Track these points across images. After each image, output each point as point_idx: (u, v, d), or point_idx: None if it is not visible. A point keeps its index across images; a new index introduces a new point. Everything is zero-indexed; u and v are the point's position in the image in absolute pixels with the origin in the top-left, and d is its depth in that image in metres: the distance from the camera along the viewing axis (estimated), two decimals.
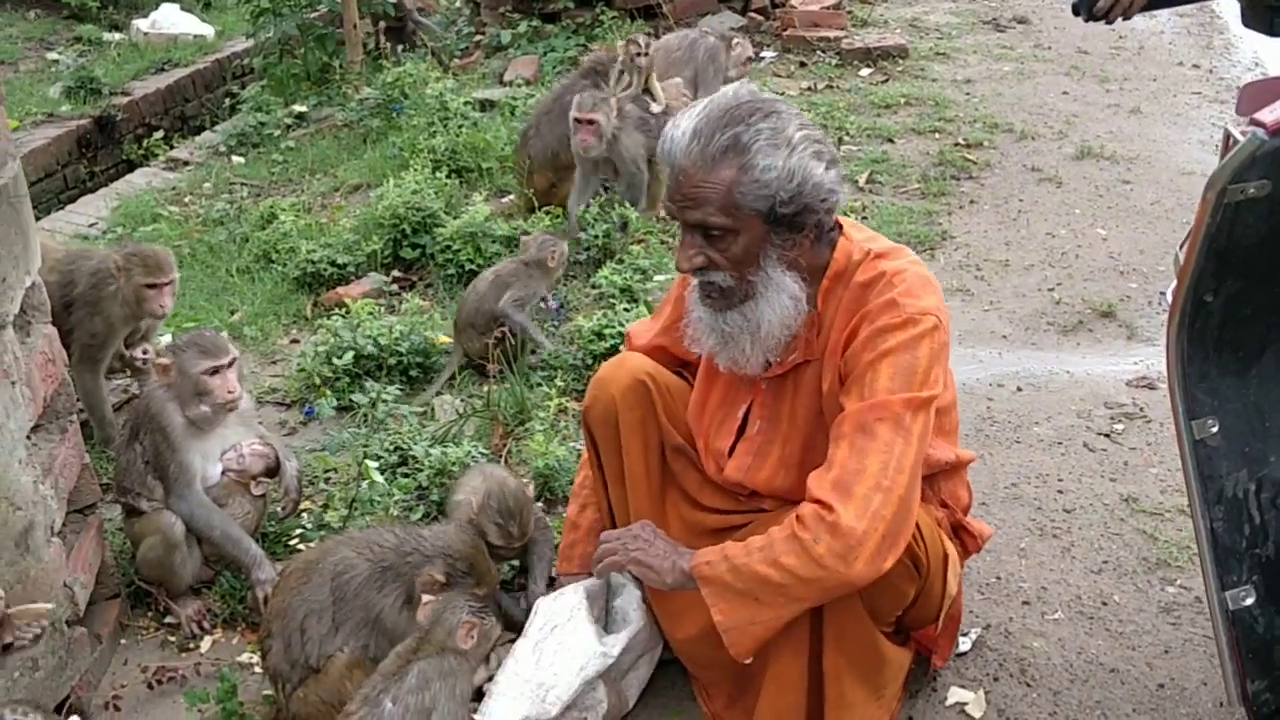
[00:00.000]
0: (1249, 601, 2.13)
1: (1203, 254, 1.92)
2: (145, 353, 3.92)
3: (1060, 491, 3.56)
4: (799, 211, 2.35)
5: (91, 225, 7.18)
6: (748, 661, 2.42)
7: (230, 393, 3.24)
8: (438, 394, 4.26)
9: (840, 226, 2.51)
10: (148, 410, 3.25)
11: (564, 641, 2.60)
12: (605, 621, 2.79)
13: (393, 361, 4.31)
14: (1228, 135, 2.30)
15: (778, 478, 2.59)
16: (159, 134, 9.32)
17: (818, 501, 2.27)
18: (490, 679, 2.65)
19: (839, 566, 2.23)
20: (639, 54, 5.56)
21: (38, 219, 7.72)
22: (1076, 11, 1.77)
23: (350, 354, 4.23)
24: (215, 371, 3.22)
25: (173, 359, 3.25)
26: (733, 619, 2.36)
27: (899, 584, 2.43)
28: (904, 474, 2.28)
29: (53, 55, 11.09)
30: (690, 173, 2.34)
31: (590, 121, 5.19)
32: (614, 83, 5.72)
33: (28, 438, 2.73)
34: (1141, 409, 3.96)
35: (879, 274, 2.42)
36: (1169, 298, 2.10)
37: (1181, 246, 2.08)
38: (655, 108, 5.60)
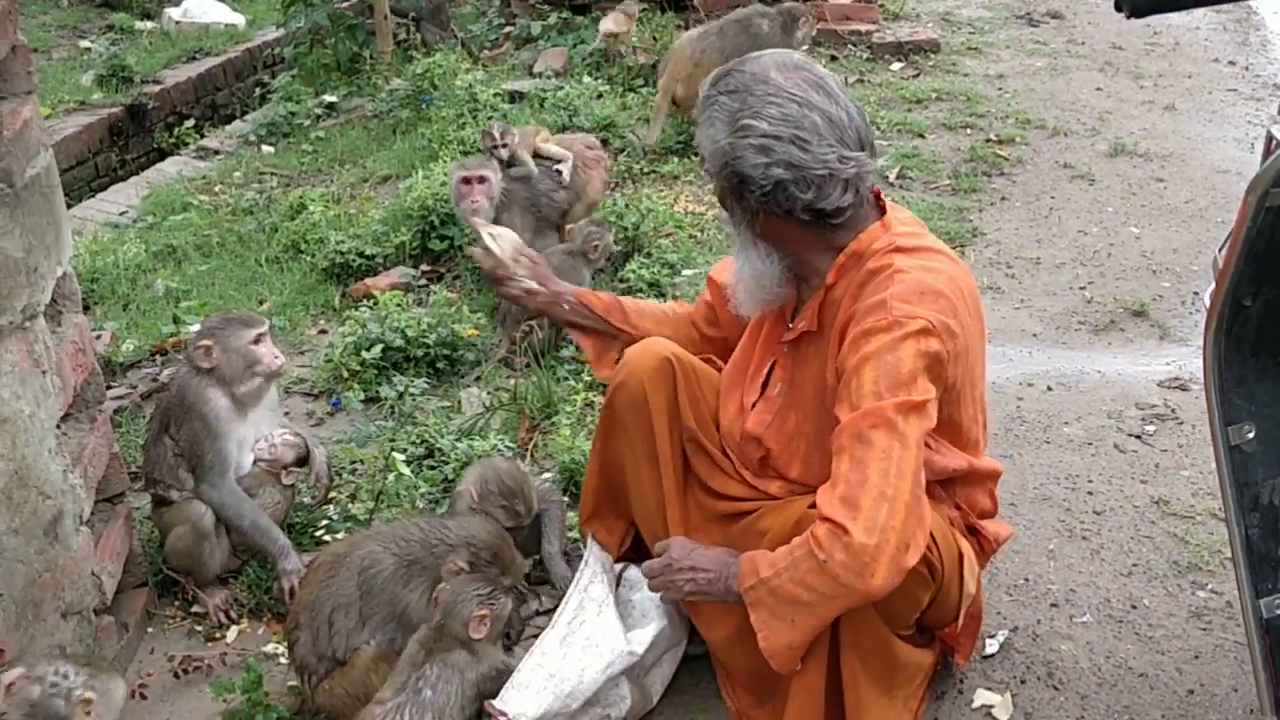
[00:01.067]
0: None
1: (1242, 257, 1.89)
2: None
3: (1090, 493, 3.53)
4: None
5: (122, 213, 7.22)
6: (796, 669, 2.45)
7: (276, 358, 3.29)
8: (465, 387, 4.26)
9: (885, 211, 2.51)
10: (184, 399, 3.25)
11: (591, 637, 2.59)
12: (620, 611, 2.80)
13: (420, 354, 4.31)
14: (1270, 138, 2.26)
15: (792, 444, 2.59)
16: (190, 123, 9.35)
17: (828, 520, 2.25)
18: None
19: (857, 583, 2.22)
20: (495, 146, 5.06)
21: (69, 207, 7.82)
22: (1119, 7, 1.74)
23: (379, 346, 4.24)
24: (259, 340, 3.26)
25: (213, 339, 3.24)
26: (774, 643, 2.36)
27: (913, 589, 2.40)
28: (905, 479, 2.24)
29: (85, 43, 11.14)
30: (705, 133, 2.47)
31: (481, 178, 4.82)
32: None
33: (58, 427, 2.74)
34: (1173, 410, 3.92)
35: (884, 266, 2.40)
36: (1207, 300, 2.07)
37: (1221, 249, 2.05)
38: (563, 168, 5.18)
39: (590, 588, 2.71)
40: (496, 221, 4.52)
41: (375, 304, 4.60)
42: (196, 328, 4.55)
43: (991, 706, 2.76)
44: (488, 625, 2.61)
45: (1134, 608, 3.06)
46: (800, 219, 2.42)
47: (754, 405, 2.67)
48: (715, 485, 2.75)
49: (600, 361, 2.99)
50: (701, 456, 2.79)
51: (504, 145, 5.04)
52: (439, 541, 2.82)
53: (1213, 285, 2.02)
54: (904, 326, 2.30)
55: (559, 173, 5.17)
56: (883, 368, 2.29)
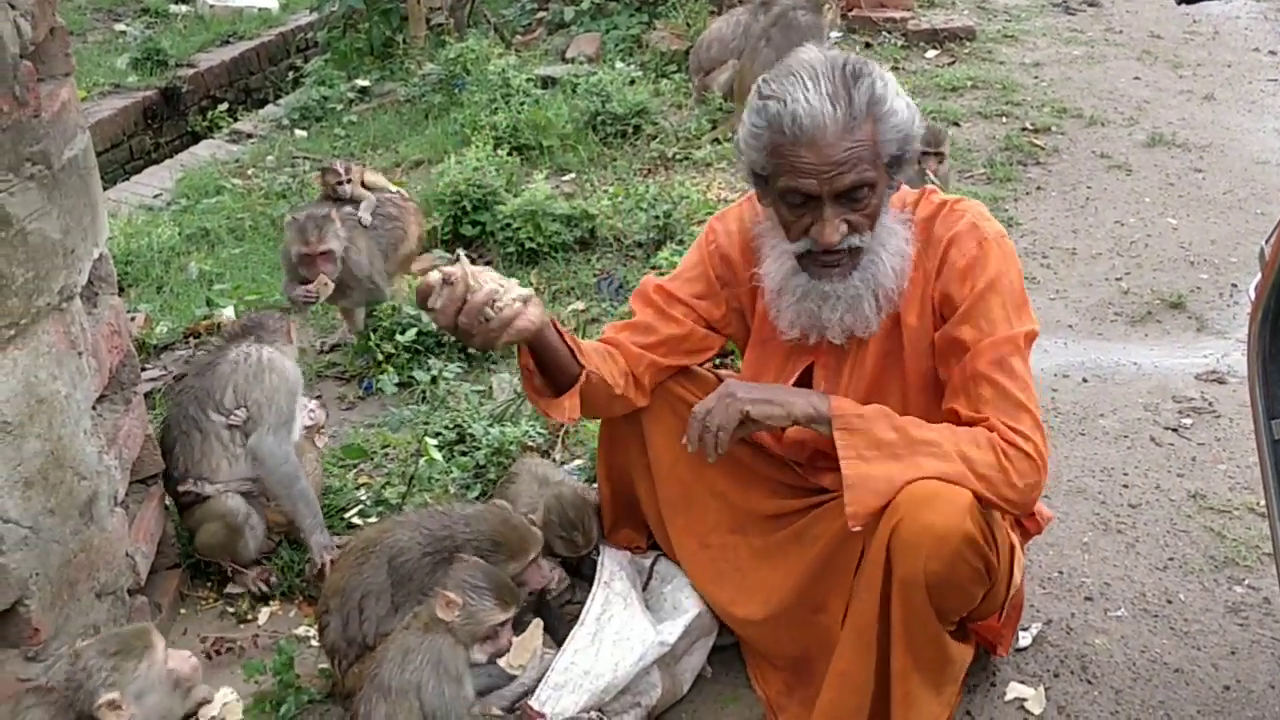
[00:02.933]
0: None
1: None
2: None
3: (1125, 486, 3.50)
4: (912, 150, 2.41)
5: (156, 196, 7.27)
6: (857, 529, 2.34)
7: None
8: (497, 372, 4.26)
9: None
10: (261, 363, 3.29)
11: (621, 631, 2.59)
12: (646, 602, 2.79)
13: (452, 339, 4.30)
14: None
15: None
16: (223, 106, 9.41)
17: (999, 432, 2.31)
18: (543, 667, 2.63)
19: (1028, 492, 2.32)
20: (339, 182, 4.57)
21: (105, 189, 7.88)
22: None
23: (413, 331, 4.23)
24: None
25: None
26: (870, 475, 2.31)
27: (970, 587, 2.37)
28: (1038, 407, 2.36)
29: (120, 26, 11.22)
30: (840, 139, 2.28)
31: (325, 253, 4.17)
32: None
33: (93, 408, 2.75)
34: (1211, 404, 3.88)
35: (942, 204, 2.50)
36: (1252, 293, 2.03)
37: (1268, 240, 2.02)
38: (365, 218, 4.63)
39: (613, 583, 2.71)
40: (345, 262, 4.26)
41: (407, 288, 4.60)
42: (229, 312, 4.59)
43: (1025, 700, 2.74)
44: (456, 611, 2.51)
45: (1169, 602, 3.03)
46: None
47: None
48: (761, 469, 2.74)
49: (553, 401, 2.59)
50: (739, 445, 2.73)
51: (348, 182, 4.58)
52: (449, 531, 2.80)
53: (1258, 276, 1.98)
54: (1002, 245, 2.45)
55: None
56: (1005, 292, 2.40)
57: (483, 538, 2.76)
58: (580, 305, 4.79)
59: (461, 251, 2.54)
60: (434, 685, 2.44)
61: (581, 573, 3.01)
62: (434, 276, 2.35)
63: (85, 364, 2.70)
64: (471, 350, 4.32)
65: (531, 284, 4.97)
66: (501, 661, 2.57)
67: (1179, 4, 1.73)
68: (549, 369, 2.53)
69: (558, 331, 2.52)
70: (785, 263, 2.46)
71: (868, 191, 2.34)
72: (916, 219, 2.48)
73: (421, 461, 3.32)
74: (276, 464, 3.20)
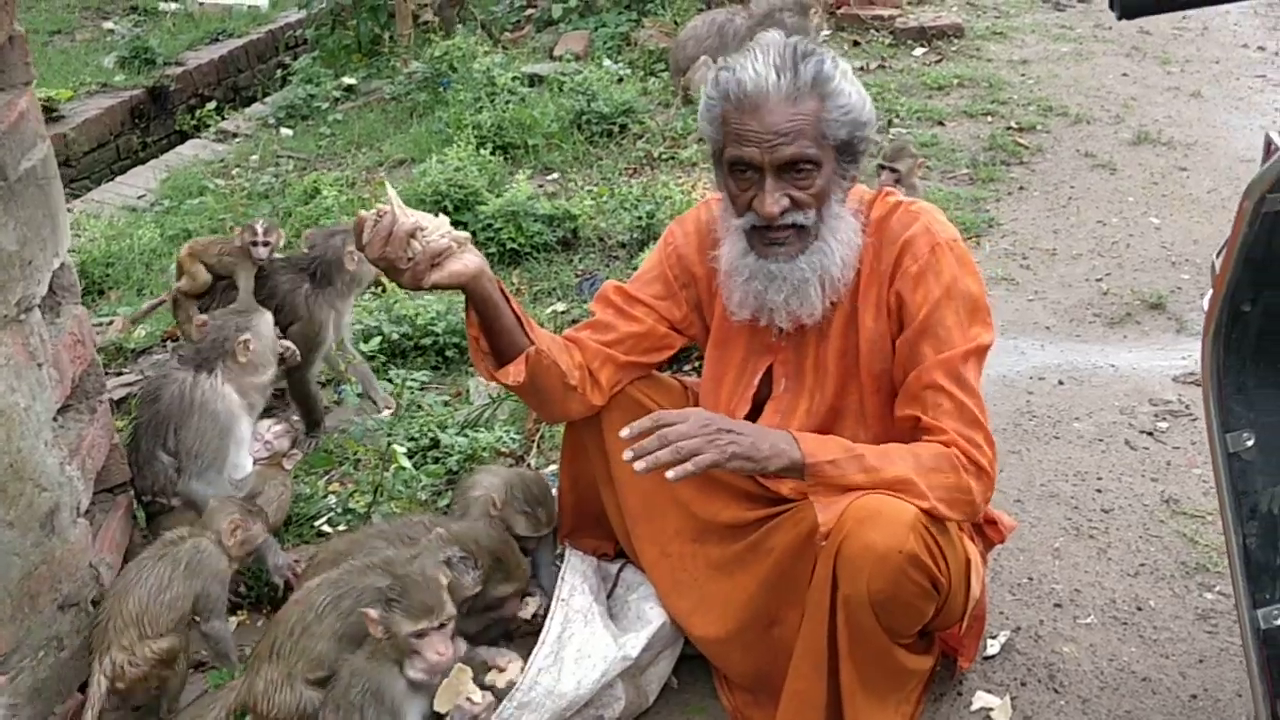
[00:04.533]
0: None
1: (1239, 263, 1.85)
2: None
3: (1099, 490, 3.48)
4: (865, 139, 2.42)
5: (140, 197, 7.26)
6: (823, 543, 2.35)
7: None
8: (474, 375, 4.24)
9: None
10: (192, 398, 3.25)
11: (583, 649, 2.57)
12: (612, 611, 2.78)
13: (428, 342, 4.29)
14: (1269, 141, 2.21)
15: (803, 429, 2.53)
16: (211, 105, 9.38)
17: (958, 446, 2.33)
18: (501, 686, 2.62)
19: (977, 510, 2.40)
20: (255, 242, 4.02)
21: (89, 189, 7.89)
22: (1112, 6, 1.70)
23: (376, 339, 4.21)
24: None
25: (251, 333, 3.30)
26: (835, 513, 2.30)
27: (917, 604, 2.36)
28: (988, 420, 2.41)
29: (109, 25, 11.20)
30: (781, 108, 2.33)
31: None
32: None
33: (55, 419, 2.74)
34: (1187, 406, 3.87)
35: (897, 205, 2.51)
36: (1204, 306, 2.02)
37: (1218, 254, 2.01)
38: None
39: (572, 599, 2.69)
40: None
41: (384, 290, 4.58)
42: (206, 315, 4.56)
43: (991, 709, 2.72)
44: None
45: (1139, 609, 3.02)
46: (856, 171, 2.49)
47: (747, 414, 2.63)
48: (712, 495, 2.71)
49: (501, 365, 2.57)
50: None
51: (265, 244, 4.02)
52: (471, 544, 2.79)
53: (1210, 291, 1.97)
54: (955, 248, 2.44)
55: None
56: (958, 299, 2.41)
57: (486, 550, 2.75)
58: (561, 306, 4.77)
59: (389, 184, 2.57)
60: (372, 713, 2.44)
61: (541, 583, 3.00)
62: (366, 213, 2.39)
63: (46, 375, 2.68)
64: (448, 354, 4.32)
65: (513, 285, 4.96)
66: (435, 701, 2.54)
67: (1119, 19, 1.72)
68: (495, 334, 2.53)
69: (506, 299, 2.52)
70: (737, 243, 2.48)
71: (812, 169, 2.36)
72: (872, 219, 2.50)
73: (390, 470, 3.31)
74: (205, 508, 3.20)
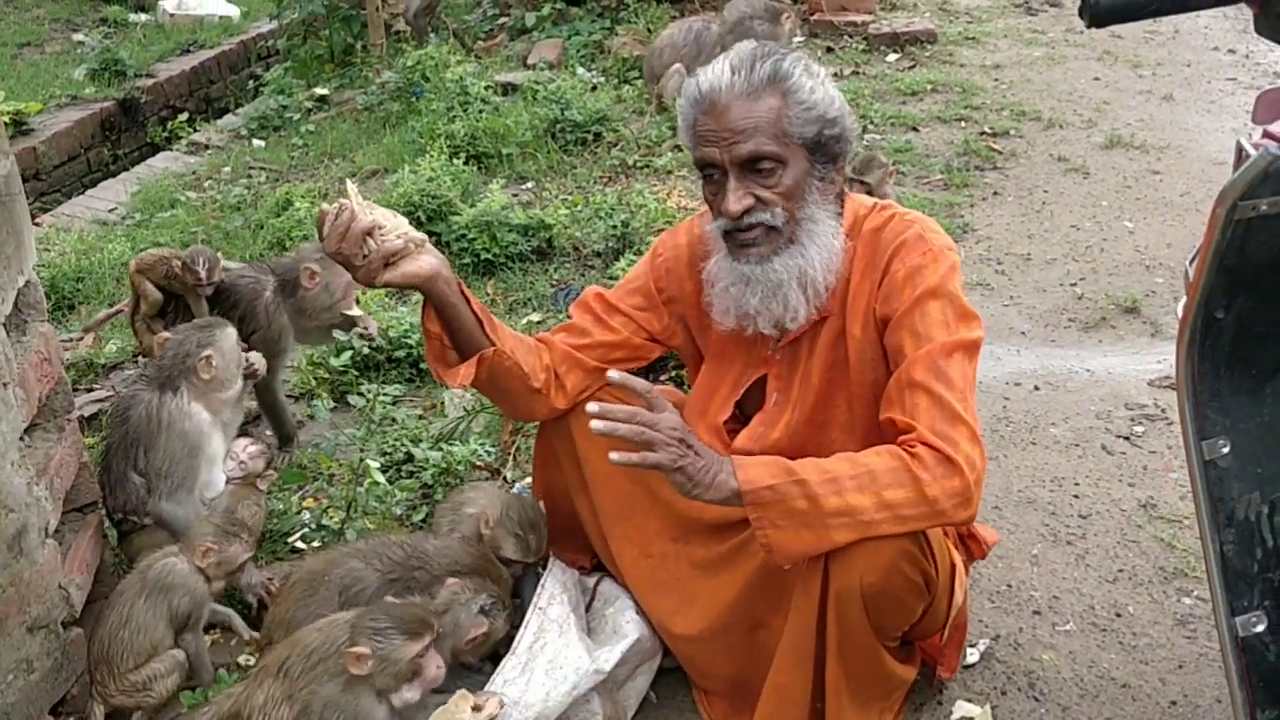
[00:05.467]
0: (1260, 628, 2.05)
1: (1213, 270, 1.84)
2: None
3: (1076, 496, 3.48)
4: (839, 137, 2.39)
5: (111, 210, 7.19)
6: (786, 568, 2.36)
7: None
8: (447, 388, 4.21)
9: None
10: (159, 417, 3.20)
11: (555, 660, 2.54)
12: (588, 625, 2.76)
13: (401, 354, 4.26)
14: (1240, 148, 2.21)
15: (783, 440, 2.55)
16: (183, 116, 9.32)
17: (932, 446, 2.22)
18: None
19: (957, 511, 2.22)
20: (199, 283, 3.82)
21: (60, 203, 7.80)
22: (1081, 14, 1.70)
23: (347, 354, 4.17)
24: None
25: (213, 348, 3.22)
26: (784, 541, 2.25)
27: (908, 600, 2.36)
28: (975, 418, 2.29)
29: (78, 36, 11.12)
30: (737, 105, 2.33)
31: None
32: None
33: (21, 439, 2.69)
34: (1163, 410, 3.87)
35: (891, 216, 2.48)
36: (1178, 313, 2.02)
37: (1191, 261, 2.00)
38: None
39: (550, 609, 2.66)
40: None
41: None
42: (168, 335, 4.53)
43: (971, 718, 2.72)
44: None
45: (1118, 615, 3.02)
46: (840, 174, 2.47)
47: (731, 424, 2.64)
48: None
49: (450, 366, 2.58)
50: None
51: (209, 285, 3.83)
52: (421, 566, 2.76)
53: (1184, 298, 1.97)
54: (948, 257, 2.40)
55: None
56: (947, 298, 2.35)
57: (467, 573, 2.72)
58: (537, 317, 4.75)
59: (349, 181, 2.61)
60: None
61: (521, 593, 2.98)
62: (328, 207, 2.42)
63: (12, 395, 2.64)
64: (422, 366, 4.28)
65: (488, 295, 4.93)
66: None
67: (1089, 27, 1.71)
68: (454, 335, 2.53)
69: (467, 301, 2.52)
70: (717, 250, 2.48)
71: (775, 165, 2.35)
72: (866, 229, 2.48)
73: (364, 485, 3.28)
74: (178, 528, 3.16)
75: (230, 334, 3.30)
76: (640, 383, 2.36)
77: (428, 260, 2.45)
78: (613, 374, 2.33)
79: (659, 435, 2.23)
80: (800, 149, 2.36)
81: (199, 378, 3.20)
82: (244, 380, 3.34)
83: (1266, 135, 1.69)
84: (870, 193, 4.17)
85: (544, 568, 2.90)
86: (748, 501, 2.25)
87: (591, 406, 2.25)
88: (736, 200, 2.36)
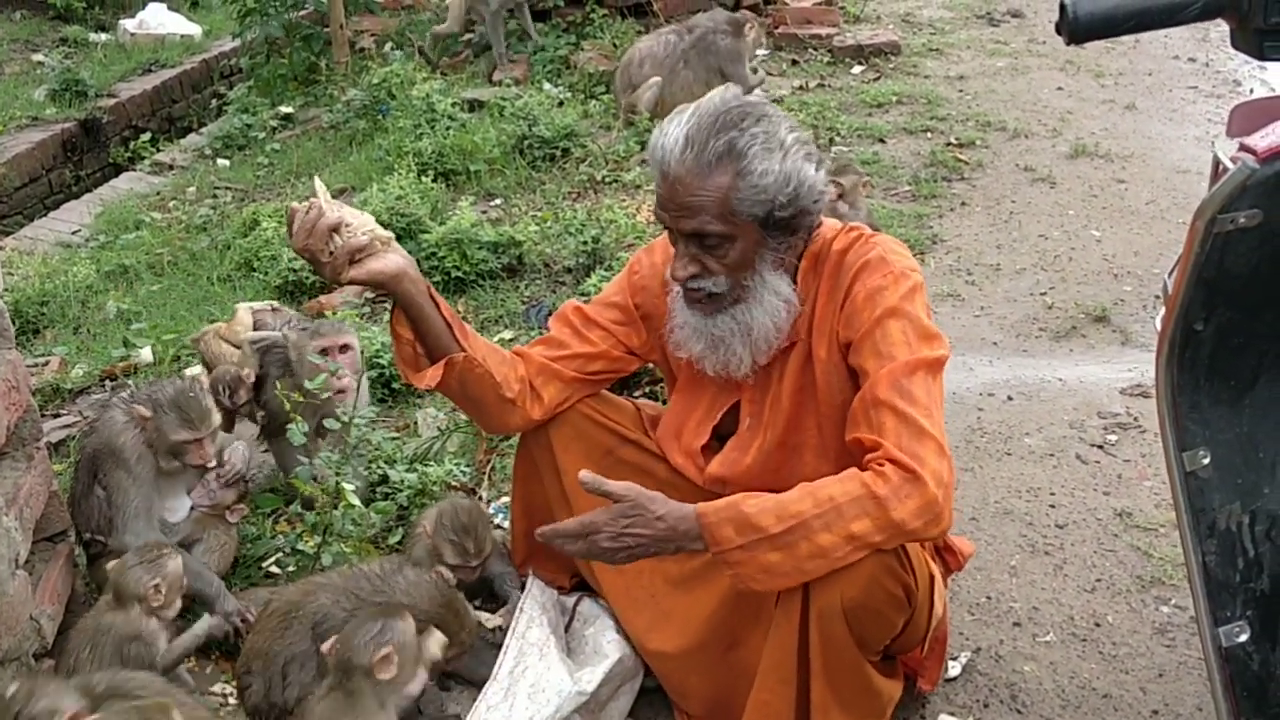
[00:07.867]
0: (1243, 638, 2.06)
1: (1192, 283, 1.84)
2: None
3: (1052, 506, 3.49)
4: (795, 215, 2.37)
5: (75, 232, 7.11)
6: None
7: (207, 459, 3.14)
8: (422, 408, 4.18)
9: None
10: (111, 444, 3.10)
11: (536, 683, 2.52)
12: (568, 645, 2.74)
13: (373, 374, 4.22)
14: (1217, 162, 2.22)
15: (756, 465, 2.56)
16: (146, 136, 9.24)
17: (898, 464, 2.20)
18: None
19: (927, 529, 2.21)
20: (232, 409, 3.62)
21: (21, 226, 7.71)
22: (1059, 31, 1.71)
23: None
24: (197, 442, 3.10)
25: (153, 414, 3.09)
26: (761, 585, 2.26)
27: (889, 613, 2.35)
28: (942, 433, 2.27)
29: (38, 57, 11.00)
30: (685, 181, 2.32)
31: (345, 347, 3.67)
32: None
33: None
34: (1136, 418, 3.89)
35: (856, 238, 2.48)
36: (1157, 325, 2.02)
37: (1170, 273, 2.01)
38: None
39: (529, 633, 2.64)
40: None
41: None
42: (146, 353, 4.48)
43: None
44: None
45: (1097, 625, 3.03)
46: (802, 238, 2.46)
47: (706, 449, 2.65)
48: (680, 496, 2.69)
49: (420, 369, 2.60)
50: (655, 463, 2.76)
51: (240, 406, 3.67)
52: (386, 597, 2.72)
53: (1163, 310, 1.97)
54: (909, 278, 2.38)
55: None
56: (907, 318, 2.34)
57: (428, 612, 2.67)
58: (509, 334, 4.72)
59: (317, 179, 2.63)
60: None
61: (496, 598, 2.97)
62: (298, 204, 2.47)
63: None
64: (394, 385, 4.25)
65: (459, 313, 4.90)
66: None
67: (1067, 43, 1.72)
68: (423, 338, 2.56)
69: (436, 304, 2.54)
70: (677, 289, 2.52)
71: (721, 242, 2.36)
72: (834, 249, 2.48)
73: (339, 509, 3.24)
74: None
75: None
76: (609, 485, 2.31)
77: (394, 259, 2.48)
78: (584, 475, 2.30)
79: (602, 546, 2.29)
80: (751, 225, 2.35)
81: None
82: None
83: (1243, 148, 1.69)
84: (841, 196, 4.20)
85: (522, 589, 2.88)
86: (720, 563, 2.27)
87: (584, 475, 2.30)
88: (682, 268, 2.41)
